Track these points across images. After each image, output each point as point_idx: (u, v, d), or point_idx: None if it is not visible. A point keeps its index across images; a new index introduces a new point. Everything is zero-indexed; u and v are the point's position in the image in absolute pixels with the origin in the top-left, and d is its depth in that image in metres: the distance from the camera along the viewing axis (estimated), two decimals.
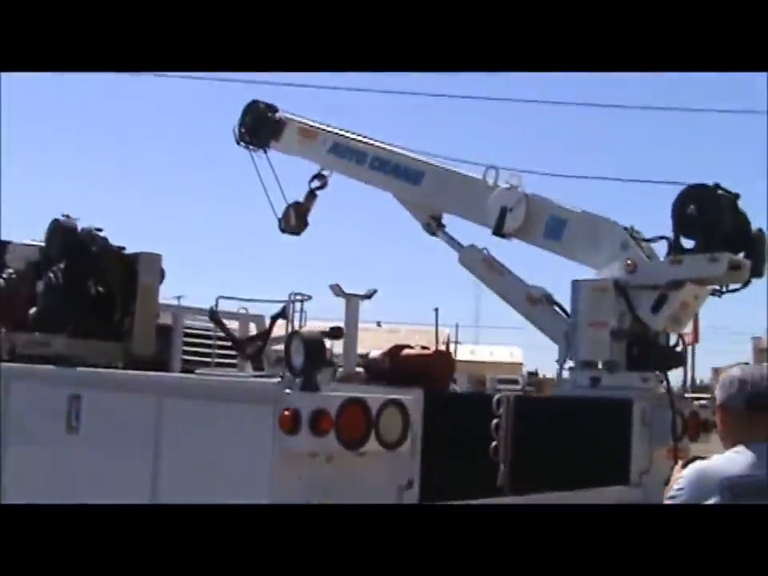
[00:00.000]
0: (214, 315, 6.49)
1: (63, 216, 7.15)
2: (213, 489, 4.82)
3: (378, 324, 68.01)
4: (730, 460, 3.50)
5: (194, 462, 5.03)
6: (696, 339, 71.20)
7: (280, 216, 10.22)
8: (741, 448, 3.53)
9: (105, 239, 6.99)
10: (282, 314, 5.66)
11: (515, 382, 42.33)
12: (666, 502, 3.55)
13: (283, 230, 10.25)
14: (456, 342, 62.55)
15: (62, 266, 6.85)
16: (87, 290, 6.89)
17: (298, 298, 5.73)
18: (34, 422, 6.51)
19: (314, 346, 4.51)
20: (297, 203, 10.19)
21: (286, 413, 4.30)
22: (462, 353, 60.49)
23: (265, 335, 6.45)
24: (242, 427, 4.70)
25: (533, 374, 44.48)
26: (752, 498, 3.39)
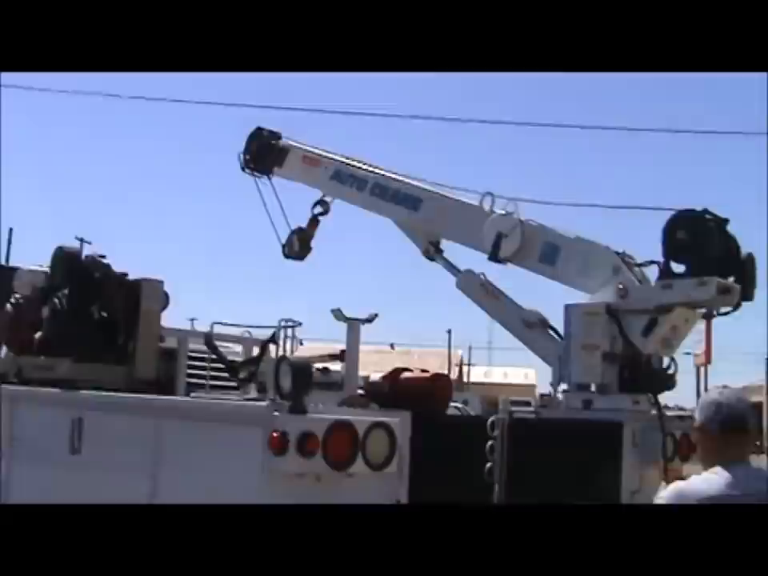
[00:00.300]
0: (208, 340, 6.68)
1: (77, 239, 7.36)
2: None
3: (392, 346, 68.15)
4: (706, 481, 3.67)
5: (189, 480, 5.24)
6: (708, 360, 70.55)
7: (283, 242, 10.41)
8: (717, 469, 3.68)
9: (108, 266, 7.20)
10: (272, 339, 5.85)
11: (528, 404, 42.17)
12: None
13: (287, 256, 10.43)
14: (469, 364, 62.78)
15: (66, 291, 7.06)
16: (91, 315, 7.09)
17: (289, 324, 5.91)
18: (39, 443, 6.72)
19: (301, 370, 4.70)
20: (300, 229, 10.36)
21: (275, 434, 4.48)
22: (476, 374, 60.51)
23: (257, 360, 6.62)
24: (234, 448, 4.89)
25: (545, 396, 44.32)
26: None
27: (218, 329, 6.74)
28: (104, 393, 6.17)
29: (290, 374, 4.59)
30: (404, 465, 5.06)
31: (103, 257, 7.24)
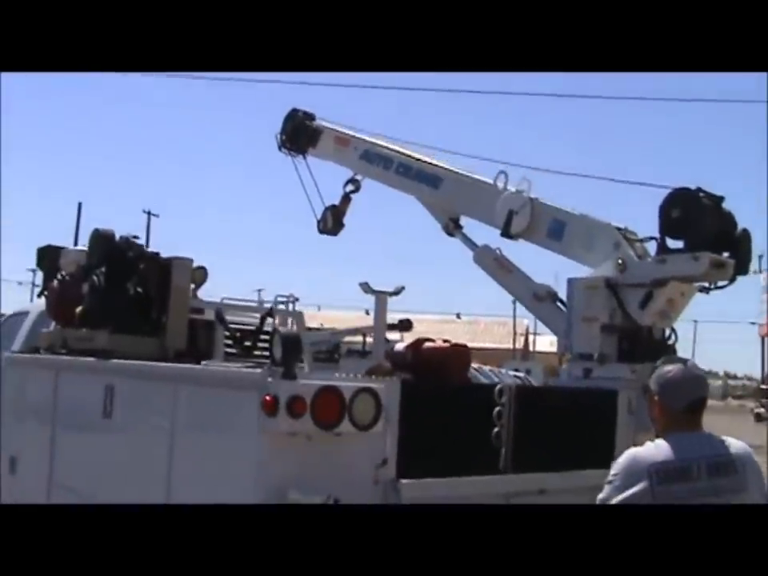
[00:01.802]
0: (219, 315, 7.24)
1: (145, 212, 7.92)
2: (212, 460, 5.62)
3: (458, 316, 68.66)
4: (658, 447, 3.98)
5: (200, 439, 5.84)
6: None
7: (318, 218, 10.99)
8: (670, 436, 4.01)
9: (141, 246, 7.78)
10: (270, 312, 6.38)
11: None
12: (605, 486, 4.02)
13: (321, 231, 11.02)
14: (535, 333, 62.82)
15: (103, 269, 7.65)
16: (126, 291, 7.65)
17: (284, 299, 6.44)
18: (78, 408, 7.37)
19: (290, 341, 5.22)
20: (333, 206, 10.94)
21: (267, 398, 5.01)
22: (542, 344, 60.56)
23: (257, 331, 7.18)
24: (236, 410, 5.44)
25: None
26: (673, 482, 3.89)
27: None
28: (129, 361, 6.75)
29: (281, 344, 5.12)
30: (391, 426, 5.54)
31: (137, 237, 7.82)
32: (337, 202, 10.99)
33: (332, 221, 10.95)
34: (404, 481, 5.53)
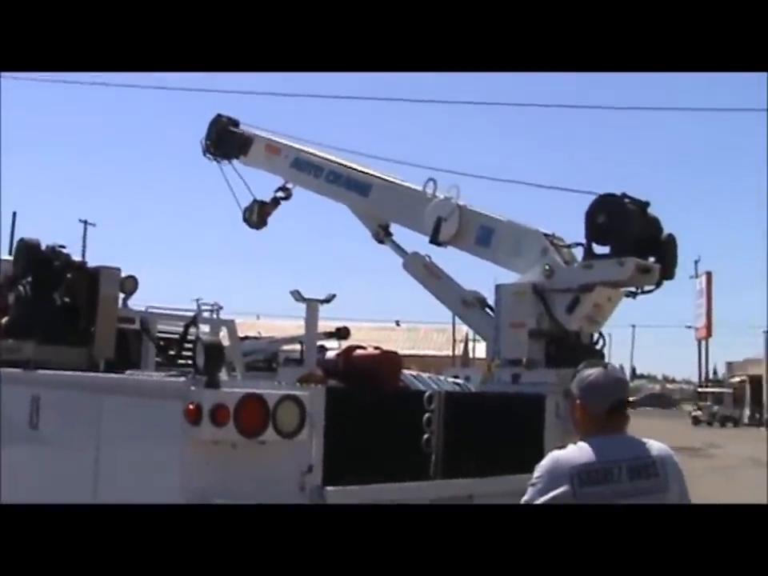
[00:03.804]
0: (143, 324, 7.22)
1: (81, 221, 7.81)
2: (137, 470, 5.60)
3: (397, 323, 68.73)
4: (580, 449, 3.95)
5: (125, 449, 5.79)
6: (709, 333, 70.47)
7: (245, 207, 11.06)
8: (592, 439, 3.99)
9: (67, 255, 7.72)
10: (194, 321, 6.37)
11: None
12: (529, 488, 3.98)
13: (245, 220, 11.10)
14: (474, 340, 62.97)
15: (29, 279, 7.57)
16: (53, 301, 7.59)
17: (207, 307, 6.44)
18: (5, 419, 7.28)
19: (213, 349, 5.22)
20: (262, 202, 11.02)
21: (191, 406, 5.00)
22: (482, 350, 60.70)
23: (181, 340, 7.18)
24: (159, 419, 5.42)
25: None
26: (595, 484, 3.89)
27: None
28: (54, 372, 6.70)
29: (203, 353, 5.12)
30: (316, 433, 5.55)
31: (63, 247, 7.76)
32: (267, 199, 11.03)
33: (257, 216, 11.01)
34: (330, 488, 5.54)
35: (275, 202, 10.98)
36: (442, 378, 26.36)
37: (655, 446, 4.10)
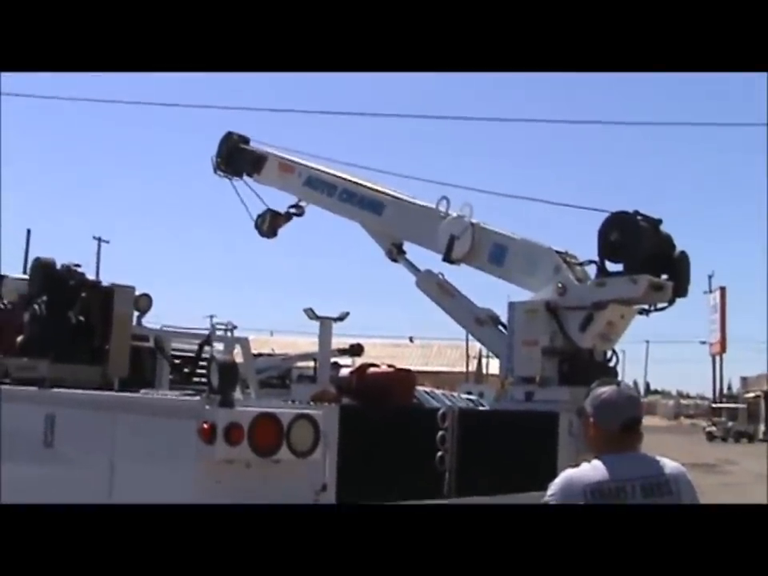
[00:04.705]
0: (158, 342, 7.24)
1: (95, 238, 7.83)
2: (151, 489, 5.57)
3: (411, 339, 68.77)
4: (593, 468, 3.99)
5: (140, 468, 5.80)
6: (723, 349, 70.27)
7: (258, 215, 11.14)
8: (605, 457, 4.01)
9: (82, 274, 7.74)
10: (208, 340, 6.39)
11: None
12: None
13: (256, 228, 11.15)
14: (488, 357, 62.99)
15: (44, 298, 7.61)
16: (68, 319, 7.60)
17: (222, 326, 6.47)
18: (19, 438, 7.30)
19: (227, 368, 5.25)
20: (275, 213, 11.06)
21: (205, 425, 5.02)
22: (495, 366, 60.67)
23: (196, 359, 7.20)
24: (173, 437, 5.44)
25: None
26: (607, 501, 3.96)
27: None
28: (69, 390, 6.73)
29: (218, 372, 5.14)
30: (330, 453, 5.56)
31: (78, 266, 7.79)
32: (281, 210, 11.09)
33: (268, 226, 11.06)
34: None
35: (287, 215, 11.04)
36: (455, 394, 26.52)
37: (668, 464, 4.12)
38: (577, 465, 4.10)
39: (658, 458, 4.17)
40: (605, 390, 4.17)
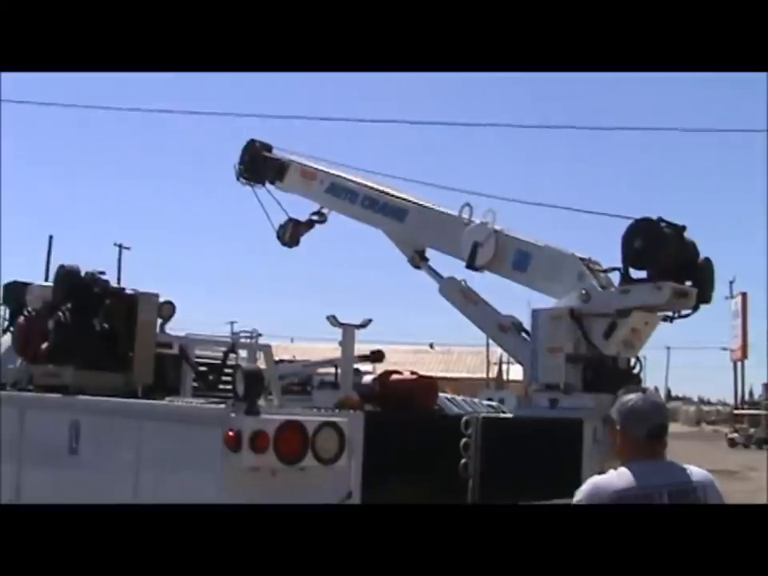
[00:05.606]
0: (182, 350, 7.26)
1: (116, 245, 7.87)
2: (177, 496, 5.57)
3: (431, 346, 68.67)
4: (620, 475, 3.97)
5: (164, 475, 5.85)
6: (745, 355, 69.82)
7: (280, 225, 11.15)
8: (632, 464, 4.00)
9: (106, 281, 7.77)
10: (232, 348, 6.42)
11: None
12: None
13: (278, 238, 11.19)
14: (508, 363, 62.85)
15: (69, 305, 7.64)
16: (93, 327, 7.63)
17: (247, 334, 6.48)
18: (44, 445, 7.34)
19: (253, 377, 5.26)
20: (297, 221, 11.08)
21: (230, 433, 5.04)
22: (516, 372, 60.52)
23: (220, 367, 7.21)
24: (200, 445, 5.46)
25: None
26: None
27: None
28: (94, 398, 6.75)
29: (243, 380, 5.15)
30: (355, 460, 5.56)
31: (103, 273, 7.83)
32: (302, 219, 11.10)
33: (290, 234, 11.08)
34: None
35: (309, 223, 11.05)
36: (476, 400, 26.44)
37: (696, 472, 4.10)
38: (602, 472, 4.09)
39: (685, 465, 4.15)
40: (631, 398, 4.15)
